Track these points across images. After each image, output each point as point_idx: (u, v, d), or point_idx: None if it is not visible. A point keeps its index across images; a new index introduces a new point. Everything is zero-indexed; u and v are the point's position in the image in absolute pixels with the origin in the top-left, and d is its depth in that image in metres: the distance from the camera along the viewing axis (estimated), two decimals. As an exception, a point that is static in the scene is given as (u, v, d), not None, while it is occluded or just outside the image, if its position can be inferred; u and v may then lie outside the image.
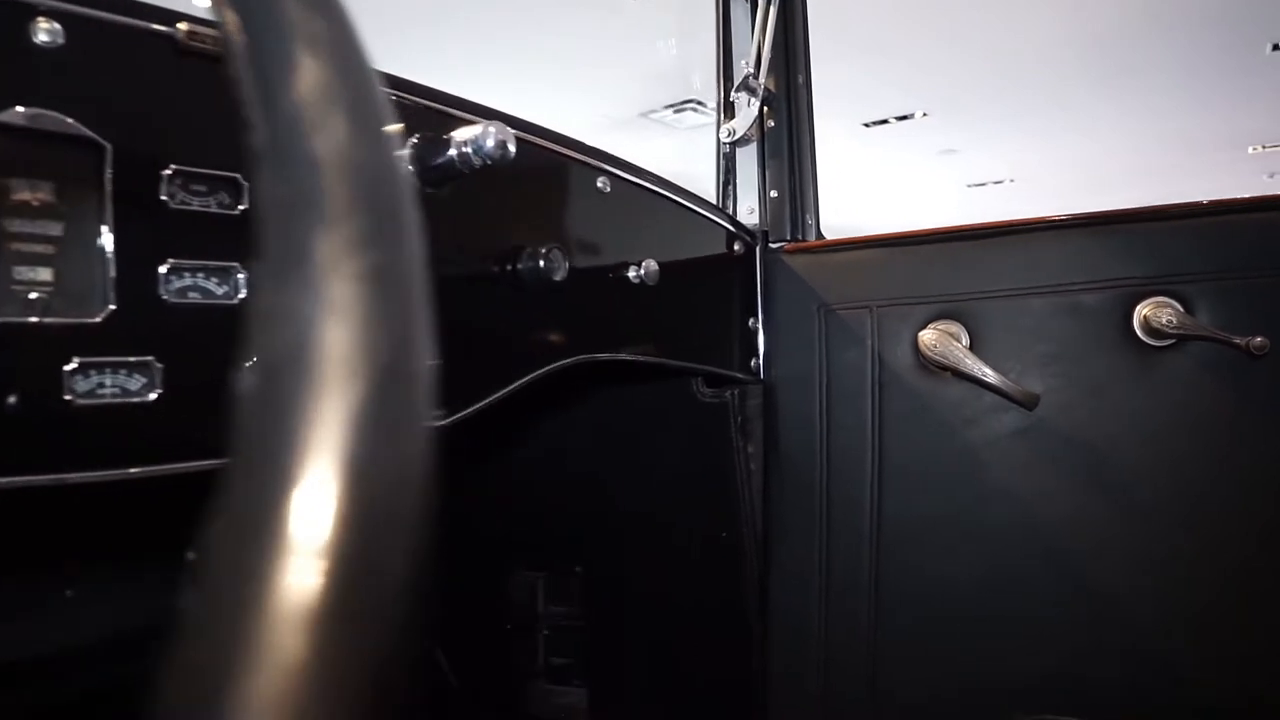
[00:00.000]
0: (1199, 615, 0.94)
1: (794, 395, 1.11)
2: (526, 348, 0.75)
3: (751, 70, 1.14)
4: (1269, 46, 6.38)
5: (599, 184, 0.84)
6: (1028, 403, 0.96)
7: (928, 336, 1.00)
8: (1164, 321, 0.92)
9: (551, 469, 1.22)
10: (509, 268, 0.72)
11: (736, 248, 1.09)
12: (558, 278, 0.73)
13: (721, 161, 1.23)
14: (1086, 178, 10.12)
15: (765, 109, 1.19)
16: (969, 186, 10.60)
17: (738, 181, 1.22)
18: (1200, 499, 0.94)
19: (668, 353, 0.95)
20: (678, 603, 1.16)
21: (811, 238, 1.21)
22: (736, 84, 1.15)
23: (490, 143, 0.59)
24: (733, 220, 1.12)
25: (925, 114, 7.74)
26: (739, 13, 1.22)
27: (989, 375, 0.96)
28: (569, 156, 0.81)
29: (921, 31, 5.77)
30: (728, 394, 1.07)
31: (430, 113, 0.66)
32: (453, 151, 0.60)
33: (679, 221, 0.99)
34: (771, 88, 1.19)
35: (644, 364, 0.92)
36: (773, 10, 1.14)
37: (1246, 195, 0.95)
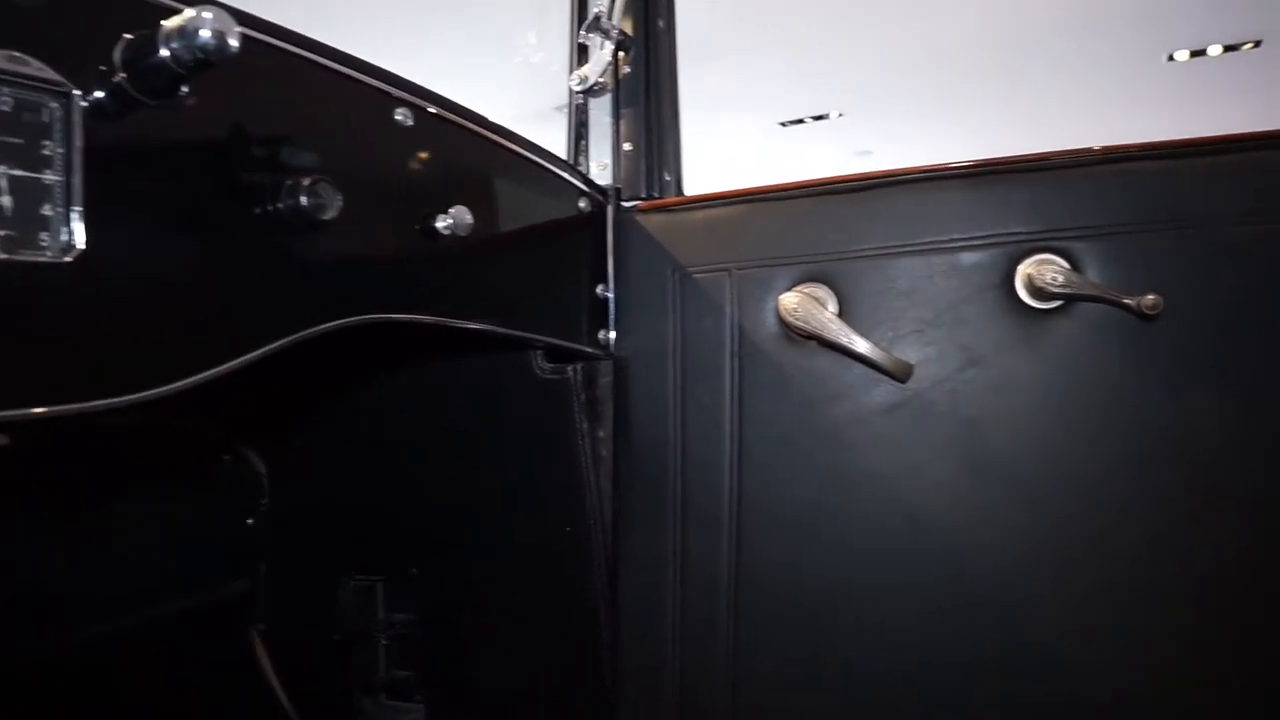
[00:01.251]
0: (1088, 602, 0.85)
1: (646, 370, 0.99)
2: (284, 303, 0.62)
3: (604, 10, 1.02)
4: (1165, 56, 6.70)
5: (397, 116, 0.70)
6: (900, 374, 0.86)
7: (790, 301, 0.88)
8: (1048, 280, 0.82)
9: (379, 460, 1.09)
10: (265, 206, 0.58)
11: (584, 205, 0.97)
12: (325, 217, 0.60)
13: (573, 113, 1.10)
14: None
15: (621, 55, 1.07)
16: None
17: (590, 135, 1.10)
18: (1090, 476, 0.85)
19: (493, 319, 0.82)
20: (522, 604, 1.05)
21: (670, 195, 1.10)
22: (587, 23, 1.03)
23: (205, 33, 0.46)
24: (580, 175, 0.99)
25: (841, 114, 7.84)
26: None
27: (858, 344, 0.85)
28: (356, 79, 0.67)
29: (837, 31, 5.86)
30: (570, 370, 0.95)
31: (143, 6, 0.52)
32: (164, 50, 0.47)
33: (511, 171, 0.86)
34: (629, 31, 1.07)
35: (469, 334, 0.79)
36: None
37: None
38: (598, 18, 1.01)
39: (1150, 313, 0.77)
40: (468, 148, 0.80)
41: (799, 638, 0.94)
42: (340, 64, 0.66)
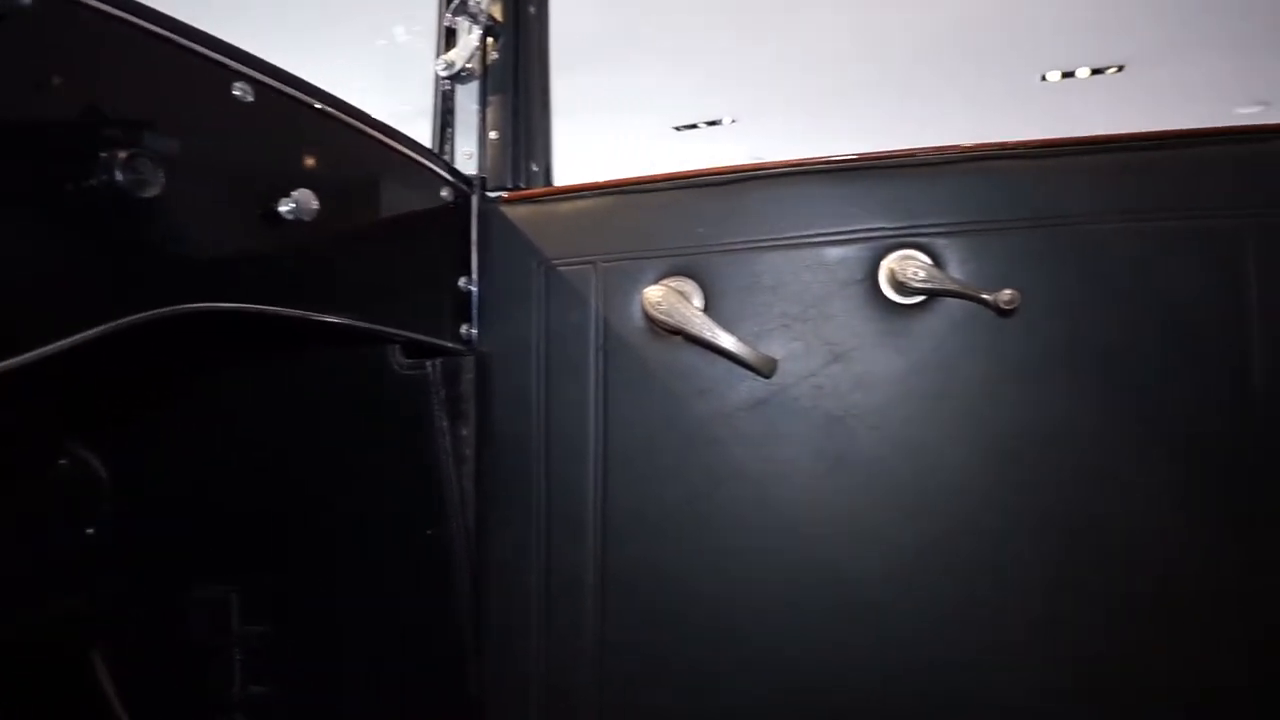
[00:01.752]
0: (949, 591, 0.86)
1: (510, 366, 0.96)
2: (98, 288, 0.56)
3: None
4: (1039, 77, 7.07)
5: (235, 90, 0.65)
6: (765, 369, 0.84)
7: (654, 295, 0.86)
8: (909, 275, 0.82)
9: (231, 464, 1.02)
10: (77, 182, 0.52)
11: (446, 195, 0.92)
12: (145, 195, 0.55)
13: (438, 99, 1.06)
14: None
15: (490, 40, 1.03)
16: None
17: (457, 123, 1.06)
18: (949, 469, 0.86)
19: (345, 312, 0.77)
20: (384, 611, 0.99)
21: (539, 186, 1.06)
22: (453, 5, 0.98)
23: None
24: (444, 163, 0.94)
25: (734, 120, 7.96)
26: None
27: (722, 339, 0.84)
28: (189, 49, 0.62)
29: (732, 38, 5.95)
30: (430, 366, 0.90)
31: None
32: None
33: (365, 156, 0.81)
34: (498, 17, 1.03)
35: (321, 327, 0.74)
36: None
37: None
38: (465, 1, 0.97)
39: (1007, 308, 0.79)
40: (315, 128, 0.75)
41: (667, 639, 0.92)
42: (171, 31, 0.60)
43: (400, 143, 0.85)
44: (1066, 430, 0.84)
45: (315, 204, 0.68)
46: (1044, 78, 7.08)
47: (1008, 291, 0.79)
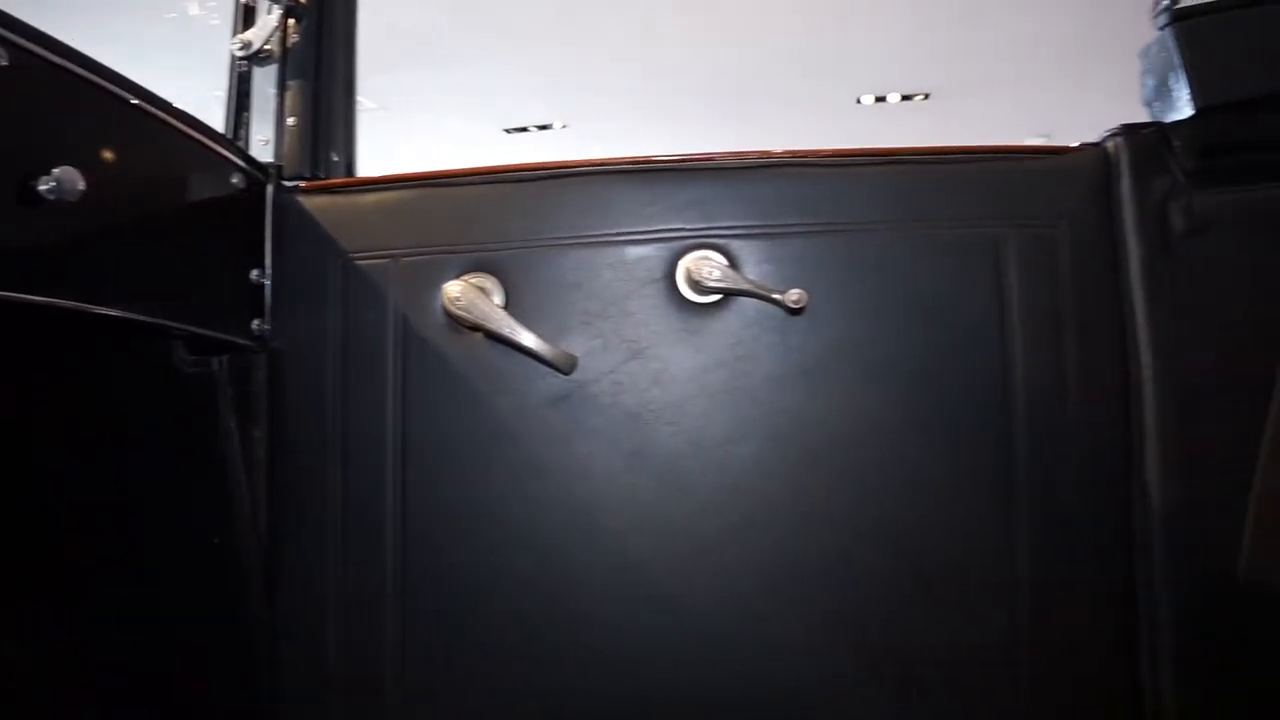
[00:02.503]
0: (742, 580, 0.91)
1: (305, 364, 0.93)
2: None
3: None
4: (855, 99, 7.56)
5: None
6: (564, 366, 0.87)
7: (453, 290, 0.86)
8: (705, 275, 0.87)
9: None
10: None
11: (237, 182, 0.88)
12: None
13: (234, 81, 1.02)
14: None
15: (291, 21, 1.01)
16: None
17: (254, 107, 1.03)
18: (745, 465, 0.91)
19: (119, 302, 0.72)
20: (166, 627, 0.93)
21: (339, 176, 1.05)
22: None
23: None
24: (236, 148, 0.90)
25: (565, 125, 8.07)
26: None
27: (522, 336, 0.85)
28: None
29: (566, 44, 6.05)
30: (216, 363, 0.86)
31: None
32: None
33: (144, 135, 0.76)
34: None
35: (93, 319, 0.69)
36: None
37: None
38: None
39: (795, 307, 0.85)
40: (83, 101, 0.69)
41: (470, 639, 0.92)
42: None
43: (185, 123, 0.81)
44: (851, 423, 0.90)
45: (81, 184, 0.64)
46: (859, 100, 7.53)
47: (795, 291, 0.85)
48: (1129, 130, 0.92)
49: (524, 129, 8.04)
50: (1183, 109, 0.91)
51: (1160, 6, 0.92)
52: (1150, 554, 0.89)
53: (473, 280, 0.89)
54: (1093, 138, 0.96)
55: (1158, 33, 0.93)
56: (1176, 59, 0.91)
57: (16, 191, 0.61)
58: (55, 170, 0.62)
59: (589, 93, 7.19)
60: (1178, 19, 0.90)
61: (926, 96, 7.50)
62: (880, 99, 7.56)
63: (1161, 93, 0.94)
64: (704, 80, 6.96)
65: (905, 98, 7.53)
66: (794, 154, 0.91)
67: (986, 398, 0.91)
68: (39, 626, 0.95)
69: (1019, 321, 0.90)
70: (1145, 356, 0.89)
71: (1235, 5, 0.90)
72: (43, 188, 0.61)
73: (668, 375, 0.91)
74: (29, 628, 0.95)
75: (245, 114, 1.03)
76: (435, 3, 5.20)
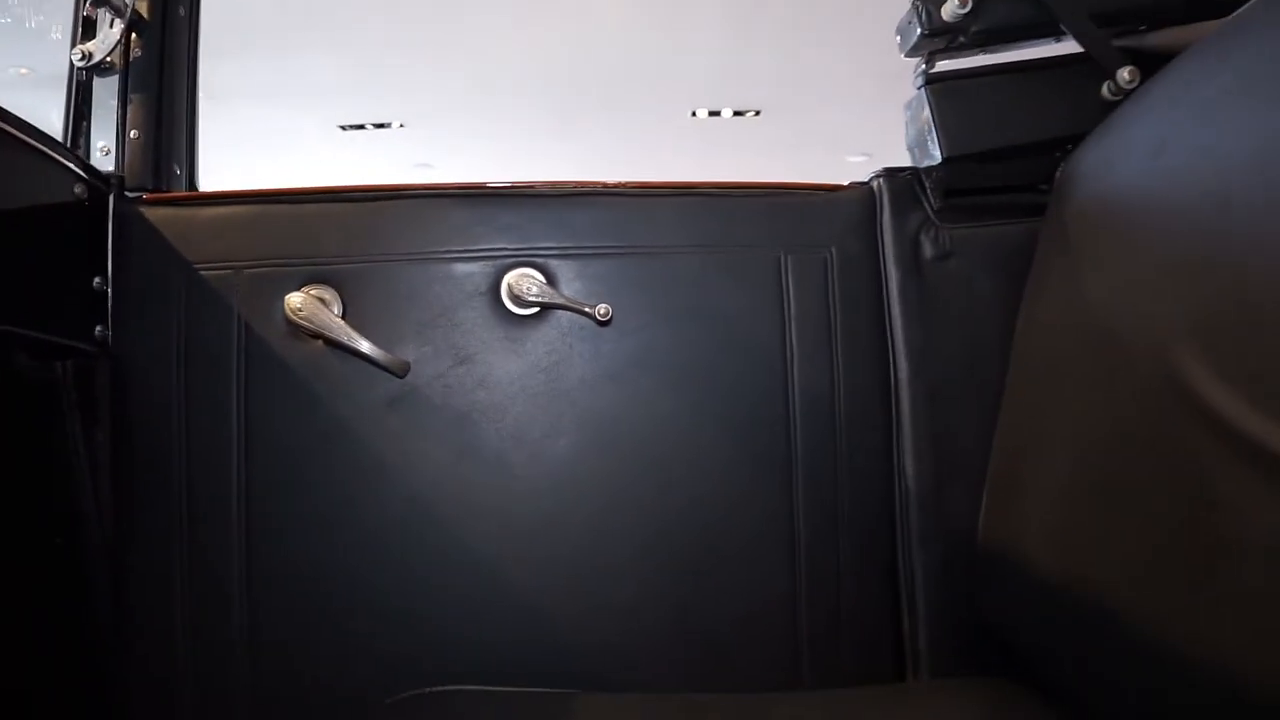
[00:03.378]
0: (565, 566, 1.02)
1: (150, 370, 0.97)
2: None
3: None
4: (690, 113, 7.67)
5: None
6: (398, 370, 0.95)
7: (295, 301, 0.93)
8: (525, 290, 0.97)
9: None
10: None
11: (79, 191, 0.92)
12: None
13: (74, 90, 1.05)
14: None
15: (134, 34, 1.04)
16: None
17: (94, 116, 1.06)
18: (560, 458, 1.02)
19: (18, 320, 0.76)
20: (10, 631, 0.95)
21: (181, 189, 1.09)
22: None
23: None
24: (77, 158, 0.94)
25: (403, 125, 7.93)
26: None
27: (360, 343, 0.93)
28: None
29: (405, 42, 5.94)
30: (59, 367, 0.90)
31: None
32: None
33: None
34: (144, 13, 1.05)
35: None
36: None
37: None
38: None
39: (603, 319, 0.97)
40: None
41: (319, 637, 0.99)
42: None
43: (25, 132, 0.84)
44: (653, 419, 1.03)
45: None
46: (694, 114, 7.66)
47: (604, 305, 0.96)
48: (889, 173, 1.08)
49: (361, 126, 7.84)
50: (934, 157, 1.07)
51: (918, 70, 1.09)
52: (908, 523, 1.05)
53: (313, 292, 0.96)
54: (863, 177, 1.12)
55: (916, 91, 1.10)
56: (929, 115, 1.07)
57: None
58: None
59: (427, 95, 7.09)
60: (931, 82, 1.06)
61: (758, 113, 7.69)
62: (714, 113, 7.70)
63: (919, 141, 1.11)
64: (542, 90, 6.98)
65: (738, 113, 7.70)
66: (604, 184, 1.03)
67: (769, 395, 1.05)
68: None
69: (796, 330, 1.04)
70: (901, 360, 1.05)
71: (975, 74, 1.07)
72: None
73: (492, 379, 1.00)
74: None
75: (85, 123, 1.05)
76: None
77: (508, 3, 5.38)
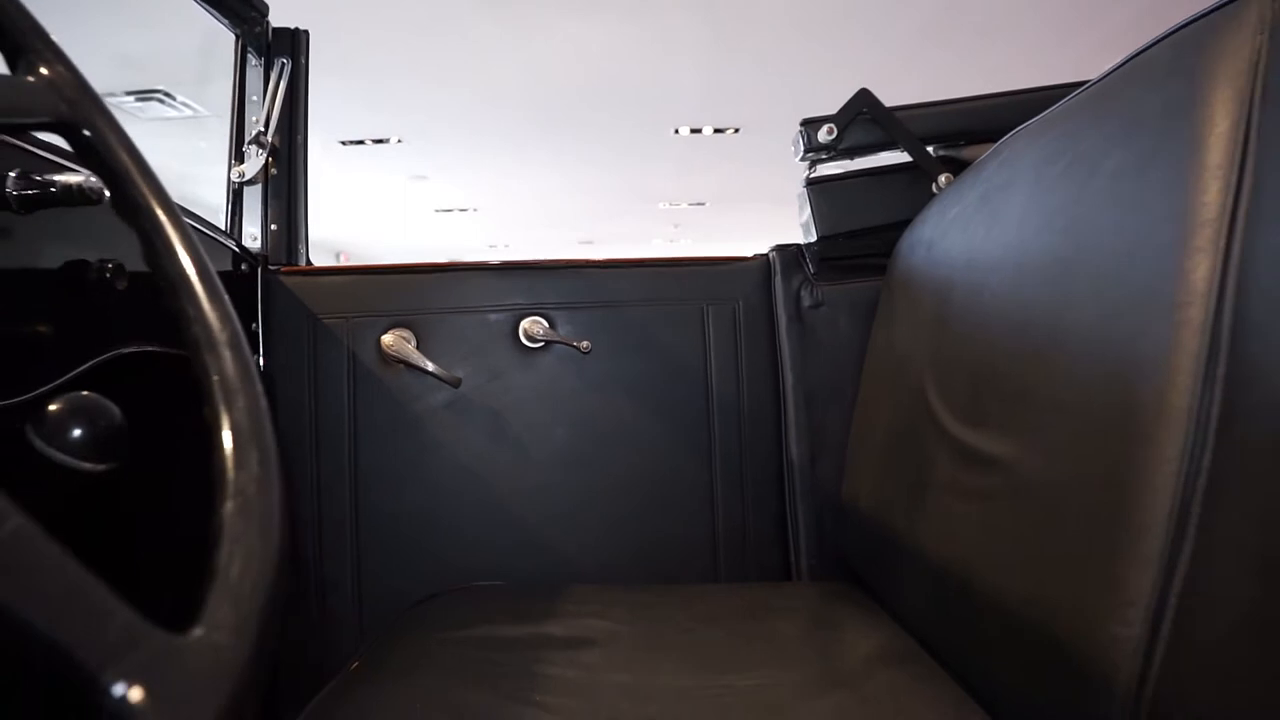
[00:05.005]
0: (561, 512, 1.45)
1: (289, 384, 1.40)
2: (86, 340, 0.90)
3: (261, 129, 1.45)
4: (672, 130, 8.04)
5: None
6: (453, 383, 1.38)
7: (387, 339, 1.39)
8: (534, 331, 1.43)
9: None
10: (91, 277, 0.89)
11: (243, 267, 1.38)
12: (120, 286, 0.92)
13: (231, 196, 1.50)
14: (545, 210, 11.35)
15: (270, 159, 1.51)
16: (436, 211, 11.24)
17: (245, 214, 1.50)
18: (557, 441, 1.45)
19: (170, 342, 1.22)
20: None
21: (301, 263, 1.53)
22: (249, 139, 1.46)
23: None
24: (239, 244, 1.40)
25: (401, 140, 8.14)
26: (253, 77, 1.50)
27: (428, 365, 1.37)
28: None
29: (403, 65, 6.18)
30: None
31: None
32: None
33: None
34: (276, 143, 1.50)
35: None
36: (283, 83, 1.46)
37: (633, 255, 1.51)
38: (258, 135, 1.46)
39: (585, 351, 1.41)
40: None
41: (394, 549, 1.43)
42: None
43: (205, 225, 1.24)
44: (618, 415, 1.46)
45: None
46: (677, 131, 8.05)
47: (586, 341, 1.41)
48: (780, 248, 1.48)
49: (360, 142, 8.08)
50: (812, 236, 1.48)
51: (805, 178, 1.52)
52: (792, 485, 1.42)
53: (397, 332, 1.41)
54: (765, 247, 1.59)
55: (802, 189, 1.52)
56: (809, 207, 1.48)
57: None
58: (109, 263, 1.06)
59: (424, 112, 7.32)
60: (811, 184, 1.48)
61: (737, 130, 7.95)
62: (696, 130, 7.96)
63: (805, 223, 1.54)
64: (533, 108, 7.19)
65: (718, 130, 7.96)
66: (587, 260, 1.47)
67: (695, 399, 1.46)
68: None
69: (714, 356, 1.47)
70: (787, 375, 1.43)
71: (842, 177, 1.48)
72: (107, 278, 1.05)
73: (513, 389, 1.44)
74: None
75: (239, 219, 1.49)
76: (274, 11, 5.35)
77: (501, 27, 5.53)
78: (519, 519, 1.45)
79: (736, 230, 12.85)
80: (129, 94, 6.61)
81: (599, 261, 1.49)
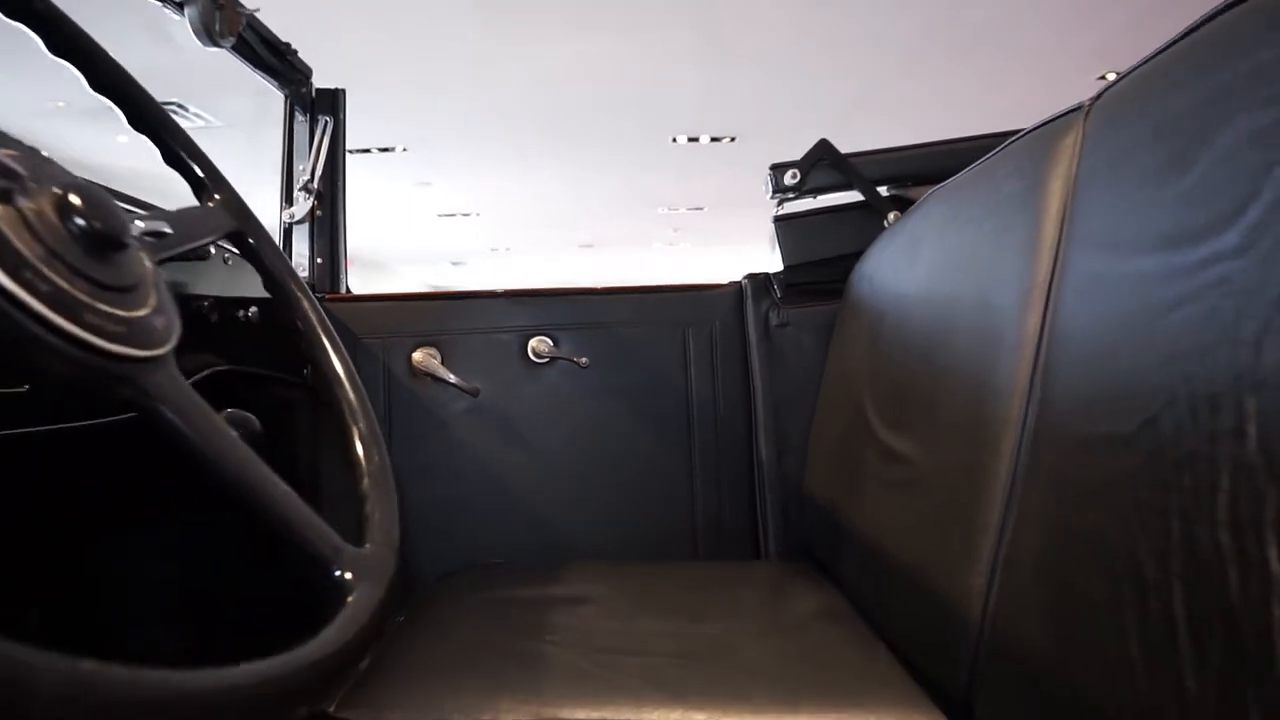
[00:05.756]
0: (565, 493, 1.69)
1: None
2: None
3: (308, 177, 1.71)
4: (670, 138, 8.37)
5: (223, 258, 1.36)
6: (473, 392, 1.65)
7: (417, 356, 1.65)
8: (541, 349, 1.69)
9: None
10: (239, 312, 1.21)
11: None
12: (212, 319, 1.24)
13: (282, 234, 1.76)
14: (546, 215, 11.56)
15: (316, 202, 1.77)
16: (439, 216, 11.46)
17: (294, 248, 1.77)
18: (559, 437, 1.70)
19: (256, 363, 1.50)
20: None
21: (343, 290, 1.78)
22: (298, 185, 1.72)
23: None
24: None
25: (405, 149, 8.39)
26: (299, 131, 1.76)
27: (451, 378, 1.63)
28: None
29: (408, 76, 6.43)
30: (288, 390, 1.64)
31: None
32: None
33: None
34: (321, 188, 1.76)
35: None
36: (326, 138, 1.72)
37: (636, 283, 1.77)
38: (306, 183, 1.71)
39: (584, 366, 1.67)
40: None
41: (423, 531, 1.69)
42: None
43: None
44: (612, 417, 1.69)
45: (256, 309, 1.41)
46: (674, 139, 8.39)
47: (585, 358, 1.66)
48: (751, 275, 1.72)
49: (366, 150, 8.32)
50: (779, 265, 1.72)
51: (773, 215, 1.77)
52: (761, 480, 1.64)
53: (425, 350, 1.67)
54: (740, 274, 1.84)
55: (772, 224, 1.78)
56: (778, 241, 1.72)
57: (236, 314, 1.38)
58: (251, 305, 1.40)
59: (429, 123, 7.67)
60: (778, 220, 1.73)
61: (733, 139, 8.23)
62: (693, 139, 8.25)
63: (772, 253, 1.82)
64: (535, 118, 7.57)
65: (714, 139, 8.24)
66: (585, 288, 1.72)
67: (677, 405, 1.70)
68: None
69: (694, 369, 1.72)
70: (757, 385, 1.66)
71: (805, 214, 1.72)
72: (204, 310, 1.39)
73: (523, 397, 1.69)
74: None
75: (289, 253, 1.75)
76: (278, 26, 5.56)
77: (504, 43, 5.79)
78: (528, 506, 1.69)
79: (735, 234, 13.08)
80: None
81: (596, 289, 1.74)
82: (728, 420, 1.74)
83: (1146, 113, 0.73)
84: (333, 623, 0.49)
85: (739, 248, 13.81)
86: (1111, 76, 0.56)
